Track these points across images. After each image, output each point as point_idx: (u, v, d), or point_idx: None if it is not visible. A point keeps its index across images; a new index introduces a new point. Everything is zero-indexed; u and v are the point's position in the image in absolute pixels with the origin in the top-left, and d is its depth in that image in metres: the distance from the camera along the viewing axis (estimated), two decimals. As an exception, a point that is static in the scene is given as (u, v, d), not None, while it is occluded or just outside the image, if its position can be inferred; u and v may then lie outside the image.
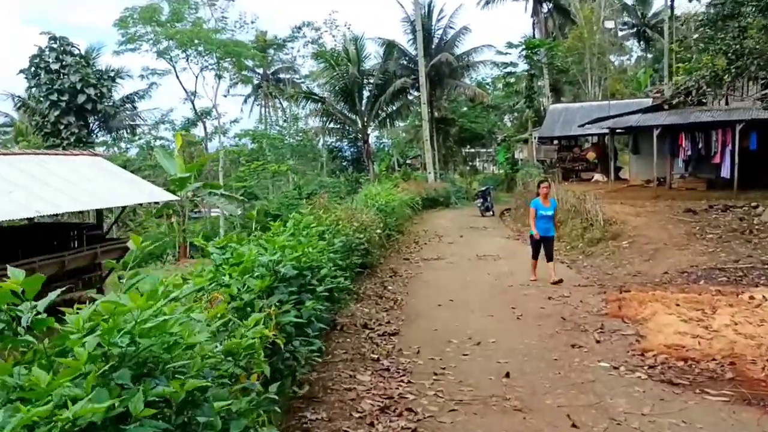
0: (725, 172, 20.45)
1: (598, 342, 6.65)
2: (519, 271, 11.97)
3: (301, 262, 4.93)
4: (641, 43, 63.37)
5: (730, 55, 12.67)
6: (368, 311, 8.11)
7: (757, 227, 13.62)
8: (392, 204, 15.53)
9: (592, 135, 35.70)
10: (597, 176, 31.94)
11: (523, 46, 33.54)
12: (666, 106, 22.66)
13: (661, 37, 58.34)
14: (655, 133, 21.51)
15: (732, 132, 20.05)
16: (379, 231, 12.22)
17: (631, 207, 18.72)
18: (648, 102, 28.97)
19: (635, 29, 62.75)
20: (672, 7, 46.85)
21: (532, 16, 44.92)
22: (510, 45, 35.02)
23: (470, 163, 56.09)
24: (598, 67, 58.07)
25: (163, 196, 18.28)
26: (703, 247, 12.22)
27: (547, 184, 10.63)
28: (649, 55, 64.67)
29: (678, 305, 7.74)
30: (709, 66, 12.96)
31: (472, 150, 56.08)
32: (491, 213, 25.97)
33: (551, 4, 45.32)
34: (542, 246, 10.43)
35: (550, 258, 10.50)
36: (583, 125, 24.77)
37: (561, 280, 10.07)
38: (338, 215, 8.91)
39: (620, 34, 63.52)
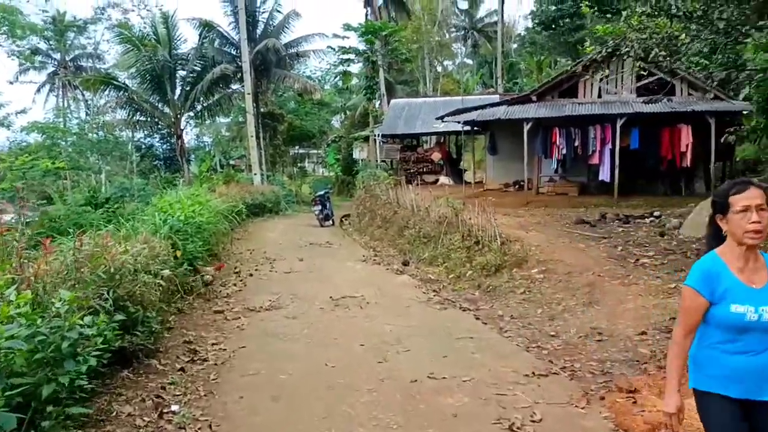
0: (604, 175, 17.63)
1: None
2: (404, 330, 7.36)
3: None
4: (466, 47, 62.96)
5: (682, 17, 9.17)
6: None
7: (696, 248, 10.26)
8: (197, 220, 10.14)
9: (434, 134, 32.59)
10: (443, 179, 28.67)
11: (363, 29, 29.32)
12: (534, 98, 19.57)
13: (488, 42, 58.29)
14: (526, 127, 18.20)
15: (612, 128, 17.27)
16: (167, 272, 6.97)
17: (506, 217, 14.96)
18: (496, 99, 26.10)
19: (463, 32, 62.20)
20: (502, 12, 45.91)
21: (365, 6, 41.20)
22: (348, 27, 30.63)
23: (299, 165, 51.79)
24: (430, 66, 56.17)
25: None
26: (656, 281, 8.45)
27: (762, 198, 2.63)
28: (469, 61, 64.23)
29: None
30: (659, 29, 9.31)
31: (302, 150, 51.82)
32: (331, 222, 21.39)
33: (386, -6, 41.93)
34: None
35: None
36: (441, 117, 20.97)
37: None
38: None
39: (448, 36, 62.79)
